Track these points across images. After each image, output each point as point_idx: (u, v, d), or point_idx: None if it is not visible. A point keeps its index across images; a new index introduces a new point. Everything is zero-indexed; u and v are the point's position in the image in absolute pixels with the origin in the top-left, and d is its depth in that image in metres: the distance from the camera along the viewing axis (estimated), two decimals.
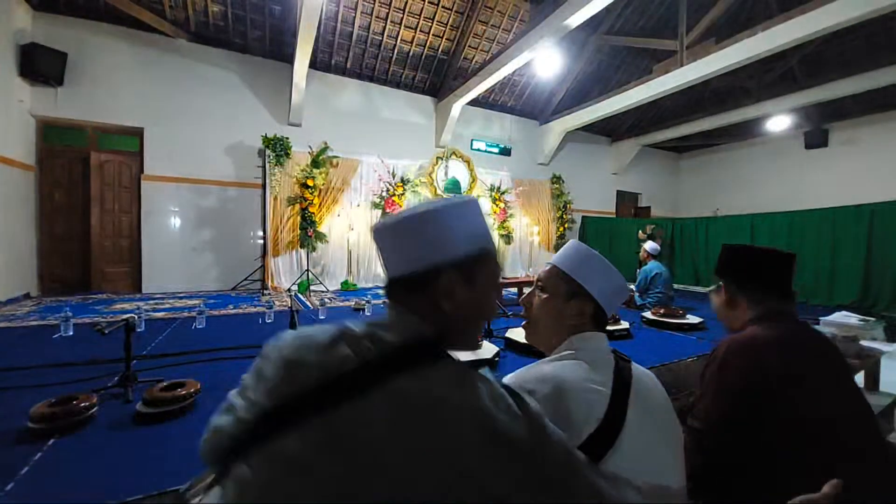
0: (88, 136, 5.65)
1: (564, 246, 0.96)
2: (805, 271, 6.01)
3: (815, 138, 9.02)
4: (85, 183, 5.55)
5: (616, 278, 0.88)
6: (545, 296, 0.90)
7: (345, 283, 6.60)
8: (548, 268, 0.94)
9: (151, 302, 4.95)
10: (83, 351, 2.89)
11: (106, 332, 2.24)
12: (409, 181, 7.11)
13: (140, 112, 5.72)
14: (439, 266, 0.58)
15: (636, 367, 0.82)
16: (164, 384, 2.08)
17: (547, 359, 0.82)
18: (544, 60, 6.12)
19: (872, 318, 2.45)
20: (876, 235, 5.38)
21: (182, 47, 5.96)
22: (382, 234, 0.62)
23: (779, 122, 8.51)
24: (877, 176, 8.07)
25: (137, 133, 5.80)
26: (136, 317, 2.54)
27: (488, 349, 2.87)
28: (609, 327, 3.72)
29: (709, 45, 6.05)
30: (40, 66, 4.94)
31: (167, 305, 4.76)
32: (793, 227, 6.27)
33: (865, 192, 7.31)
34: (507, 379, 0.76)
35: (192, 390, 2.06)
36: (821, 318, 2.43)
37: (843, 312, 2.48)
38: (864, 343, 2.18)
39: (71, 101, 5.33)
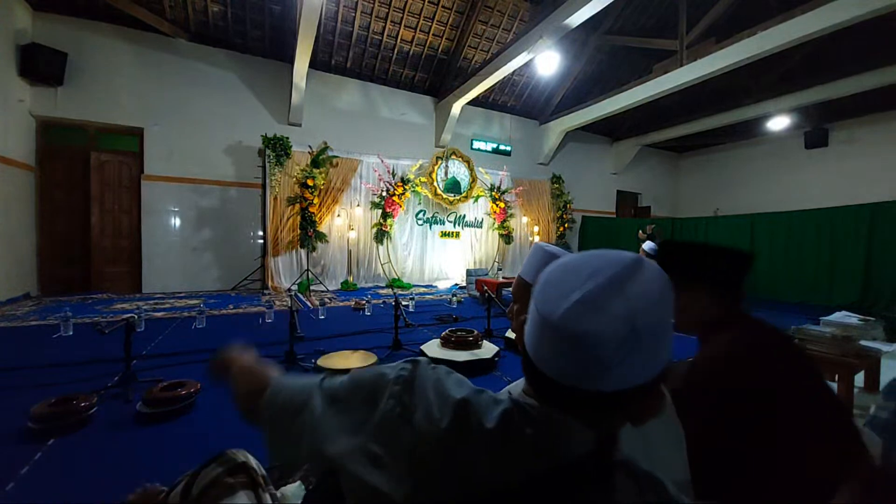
0: (88, 136, 5.65)
1: (530, 252, 0.90)
2: (805, 271, 6.02)
3: (815, 138, 9.02)
4: (85, 183, 5.55)
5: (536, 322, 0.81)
6: (517, 307, 0.86)
7: (345, 282, 6.60)
8: (515, 279, 0.89)
9: (151, 302, 4.95)
10: (83, 351, 2.89)
11: (106, 331, 2.24)
12: (409, 181, 7.11)
13: (140, 112, 5.72)
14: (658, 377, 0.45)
15: None
16: (164, 384, 2.08)
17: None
18: (544, 60, 6.12)
19: (872, 318, 2.45)
20: (876, 235, 5.38)
21: (182, 47, 5.96)
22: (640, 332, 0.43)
23: (779, 121, 8.51)
24: (877, 175, 8.06)
25: (137, 133, 5.80)
26: (136, 317, 2.54)
27: (488, 349, 2.87)
28: None
29: (709, 44, 6.05)
30: (40, 65, 4.94)
31: (167, 305, 4.77)
32: (792, 227, 6.27)
33: (865, 191, 7.31)
34: (508, 388, 0.71)
35: (192, 390, 2.07)
36: (821, 318, 2.43)
37: (843, 312, 2.48)
38: (863, 343, 2.17)
39: (71, 100, 5.33)
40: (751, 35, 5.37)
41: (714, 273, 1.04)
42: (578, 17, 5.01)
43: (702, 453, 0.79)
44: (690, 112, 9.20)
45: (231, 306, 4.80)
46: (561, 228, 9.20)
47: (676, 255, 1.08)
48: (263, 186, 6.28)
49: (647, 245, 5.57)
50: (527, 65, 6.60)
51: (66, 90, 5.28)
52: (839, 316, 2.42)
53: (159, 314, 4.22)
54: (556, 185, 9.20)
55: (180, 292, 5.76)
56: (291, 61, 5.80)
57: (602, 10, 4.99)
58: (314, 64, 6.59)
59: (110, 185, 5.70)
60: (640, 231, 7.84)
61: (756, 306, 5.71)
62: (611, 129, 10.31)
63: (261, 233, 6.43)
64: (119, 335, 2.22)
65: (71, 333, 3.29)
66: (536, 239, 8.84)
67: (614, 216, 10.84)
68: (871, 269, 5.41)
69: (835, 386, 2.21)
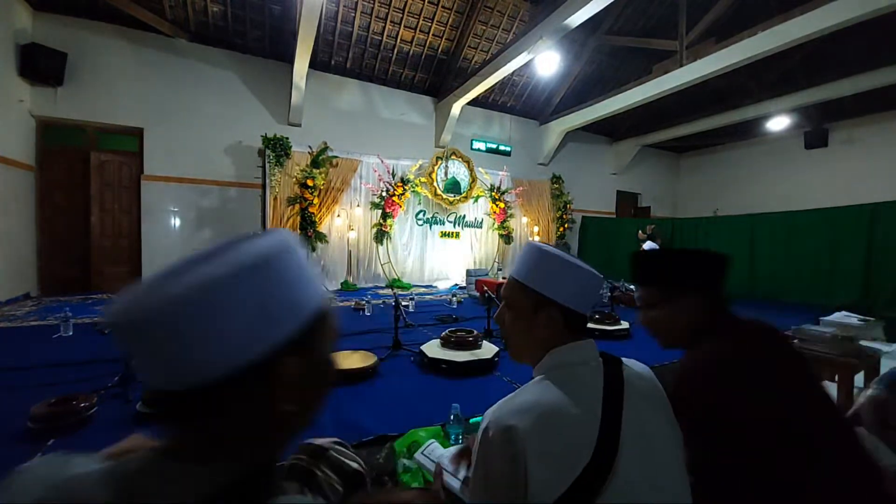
0: (88, 136, 5.65)
1: (521, 251, 0.85)
2: (805, 271, 6.01)
3: (815, 138, 9.02)
4: (85, 183, 5.55)
5: (580, 274, 0.77)
6: (511, 312, 0.82)
7: (345, 283, 6.60)
8: (508, 281, 0.84)
9: None
10: (83, 351, 2.89)
11: (106, 331, 2.24)
12: (409, 181, 7.11)
13: (140, 112, 5.72)
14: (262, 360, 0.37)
15: (628, 369, 0.75)
16: None
17: (529, 383, 0.73)
18: (544, 60, 6.12)
19: (872, 318, 2.44)
20: (876, 235, 5.38)
21: (182, 47, 5.96)
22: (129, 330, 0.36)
23: (779, 121, 8.51)
24: (877, 176, 8.06)
25: (137, 133, 5.80)
26: None
27: (488, 349, 2.87)
28: (609, 327, 3.74)
29: (709, 44, 6.06)
30: (40, 65, 4.94)
31: None
32: (792, 227, 6.26)
33: (865, 191, 7.31)
34: (489, 413, 0.68)
35: None
36: (820, 318, 2.42)
37: (843, 312, 2.48)
38: (863, 343, 2.17)
39: (71, 101, 5.33)
40: (751, 35, 5.37)
41: (693, 280, 1.00)
42: (578, 18, 5.01)
43: (692, 464, 0.76)
44: (690, 112, 9.20)
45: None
46: (561, 229, 9.20)
47: (654, 266, 1.04)
48: (263, 187, 6.28)
49: (648, 245, 5.57)
50: (527, 65, 6.60)
51: (66, 90, 5.28)
52: (839, 316, 2.42)
53: None
54: (555, 186, 9.20)
55: None
56: (291, 61, 5.80)
57: (602, 10, 5.00)
58: (314, 64, 6.59)
59: (110, 185, 5.71)
60: (640, 231, 7.84)
61: (756, 306, 5.71)
62: (611, 130, 10.31)
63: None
64: None
65: (71, 333, 3.29)
66: (537, 239, 8.84)
67: (614, 216, 10.83)
68: (870, 270, 5.40)
69: (834, 387, 2.21)
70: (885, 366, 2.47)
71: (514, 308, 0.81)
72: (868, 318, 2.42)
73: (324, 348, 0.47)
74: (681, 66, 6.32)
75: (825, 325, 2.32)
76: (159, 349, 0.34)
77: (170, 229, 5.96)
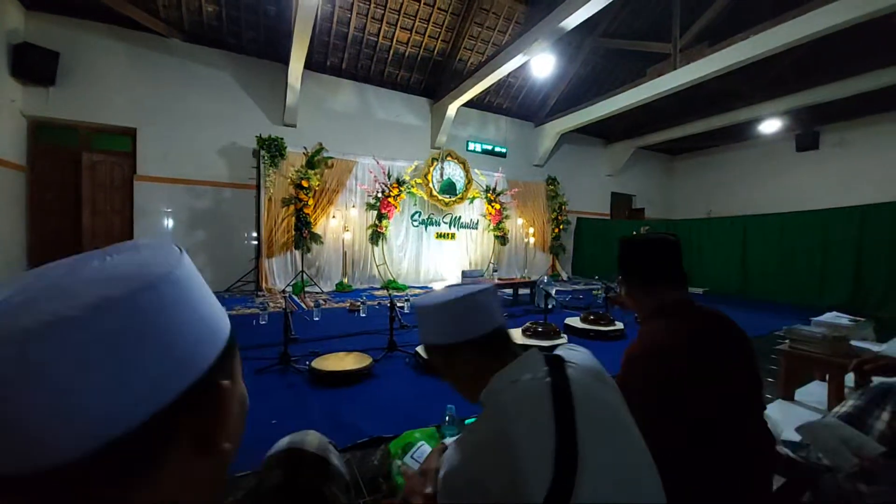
0: (80, 136, 5.59)
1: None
2: (796, 272, 6.08)
3: (806, 141, 9.14)
4: (76, 183, 5.49)
5: (457, 305, 0.75)
6: (440, 372, 0.82)
7: (340, 284, 6.58)
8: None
9: None
10: None
11: None
12: (404, 182, 7.11)
13: (133, 112, 5.68)
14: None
15: (571, 362, 0.70)
16: None
17: (467, 429, 0.70)
18: (539, 62, 6.15)
19: (862, 318, 2.48)
20: (866, 237, 5.45)
21: (176, 47, 5.92)
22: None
23: (770, 124, 8.61)
24: (867, 178, 8.18)
25: (130, 133, 5.75)
26: None
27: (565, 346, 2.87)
28: (604, 328, 3.76)
29: (702, 48, 6.11)
30: (32, 65, 4.89)
31: None
32: (784, 229, 6.33)
33: (856, 193, 7.41)
34: (444, 469, 0.64)
35: None
36: (812, 318, 2.45)
37: (834, 313, 2.50)
38: (854, 343, 2.20)
39: (63, 100, 5.28)
40: (743, 39, 5.43)
41: (635, 268, 1.07)
42: (573, 20, 5.04)
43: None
44: (684, 115, 9.28)
45: (225, 308, 4.76)
46: (556, 230, 9.25)
47: (621, 253, 1.13)
48: (258, 187, 6.25)
49: None
50: (522, 67, 6.62)
51: (59, 90, 5.23)
52: (830, 316, 2.45)
53: None
54: (551, 187, 9.25)
55: None
56: (286, 62, 5.78)
57: (597, 13, 5.03)
58: (309, 65, 6.57)
59: (102, 186, 5.65)
60: (634, 232, 7.88)
61: (749, 307, 5.77)
62: (605, 132, 10.38)
63: (255, 234, 6.40)
64: None
65: None
66: (532, 241, 8.87)
67: (609, 218, 10.90)
68: (861, 271, 5.47)
69: (825, 386, 2.23)
70: None
71: (437, 368, 0.82)
72: (858, 318, 2.45)
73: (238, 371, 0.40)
74: (675, 68, 6.38)
75: (816, 326, 2.35)
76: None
77: (163, 231, 5.91)
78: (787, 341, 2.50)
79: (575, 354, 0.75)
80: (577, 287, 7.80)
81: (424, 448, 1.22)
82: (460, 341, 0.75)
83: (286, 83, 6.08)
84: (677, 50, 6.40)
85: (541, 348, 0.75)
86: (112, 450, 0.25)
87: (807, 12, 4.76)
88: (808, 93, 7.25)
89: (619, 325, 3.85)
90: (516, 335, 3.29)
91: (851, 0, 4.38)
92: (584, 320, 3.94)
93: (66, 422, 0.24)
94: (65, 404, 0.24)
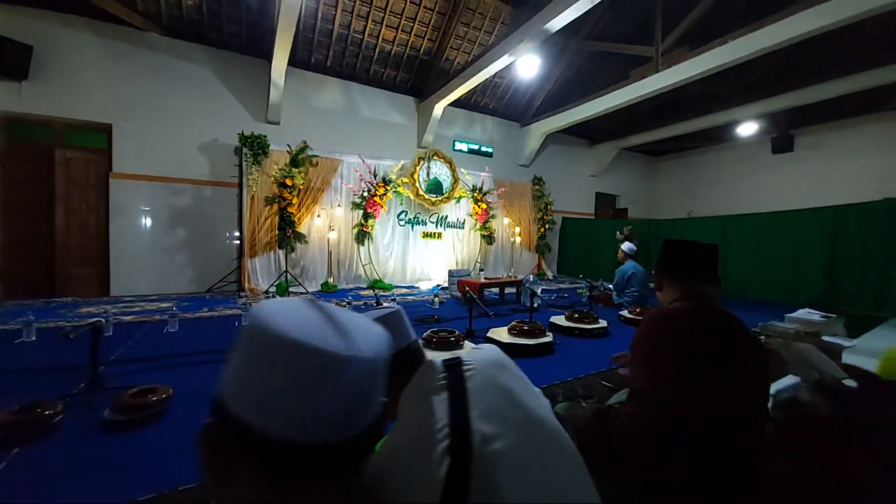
0: (54, 132, 5.40)
1: None
2: (772, 270, 6.28)
3: (782, 143, 9.43)
4: (49, 180, 5.29)
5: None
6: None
7: (325, 284, 6.51)
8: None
9: (120, 305, 4.76)
10: (48, 356, 2.76)
11: (72, 336, 2.15)
12: (390, 181, 7.07)
13: (109, 108, 5.50)
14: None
15: (470, 365, 0.70)
16: (134, 390, 2.01)
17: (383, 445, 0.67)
18: (525, 63, 6.20)
19: (834, 315, 2.57)
20: (838, 237, 5.66)
21: (154, 41, 5.76)
22: None
23: (748, 127, 8.87)
24: (839, 179, 8.49)
25: (105, 129, 5.57)
26: (103, 320, 2.44)
27: (469, 349, 2.88)
28: (587, 326, 3.81)
29: (683, 52, 6.25)
30: (5, 59, 4.70)
31: (137, 308, 4.60)
32: (760, 228, 6.53)
33: (828, 194, 7.69)
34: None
35: (163, 396, 2.00)
36: (786, 314, 2.54)
37: (807, 309, 2.60)
38: (825, 338, 2.28)
39: (36, 95, 5.08)
40: (722, 44, 5.58)
41: (667, 264, 1.29)
42: (558, 22, 5.09)
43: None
44: (666, 117, 9.48)
45: (206, 309, 4.66)
46: (542, 229, 9.33)
47: (662, 251, 1.34)
48: (240, 186, 6.12)
49: (626, 245, 5.70)
50: (508, 67, 6.66)
51: (32, 84, 5.03)
52: (803, 313, 2.54)
53: (129, 318, 4.07)
54: (537, 187, 9.32)
55: (151, 295, 5.57)
56: (269, 58, 5.69)
57: (581, 15, 5.09)
58: (293, 61, 6.47)
59: (77, 184, 5.46)
60: (618, 232, 8.02)
61: (726, 303, 5.91)
62: (590, 133, 10.52)
63: (237, 233, 6.27)
64: (86, 340, 2.13)
65: (34, 338, 3.14)
66: (517, 240, 8.93)
67: (593, 217, 11.05)
68: (833, 269, 5.68)
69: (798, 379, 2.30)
70: (847, 360, 2.60)
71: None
72: (830, 314, 2.55)
73: None
74: (657, 71, 6.51)
75: (790, 322, 2.43)
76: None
77: (140, 229, 5.74)
78: (762, 337, 2.59)
79: (476, 353, 0.76)
80: (562, 286, 7.89)
81: None
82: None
83: (269, 80, 5.98)
84: (659, 53, 6.53)
85: (444, 358, 0.75)
86: (363, 436, 0.43)
87: (782, 19, 4.92)
88: (784, 97, 7.49)
89: (603, 323, 3.91)
90: (502, 333, 3.31)
91: (825, 8, 4.54)
92: (568, 318, 3.99)
93: (367, 411, 0.44)
94: (370, 402, 0.44)
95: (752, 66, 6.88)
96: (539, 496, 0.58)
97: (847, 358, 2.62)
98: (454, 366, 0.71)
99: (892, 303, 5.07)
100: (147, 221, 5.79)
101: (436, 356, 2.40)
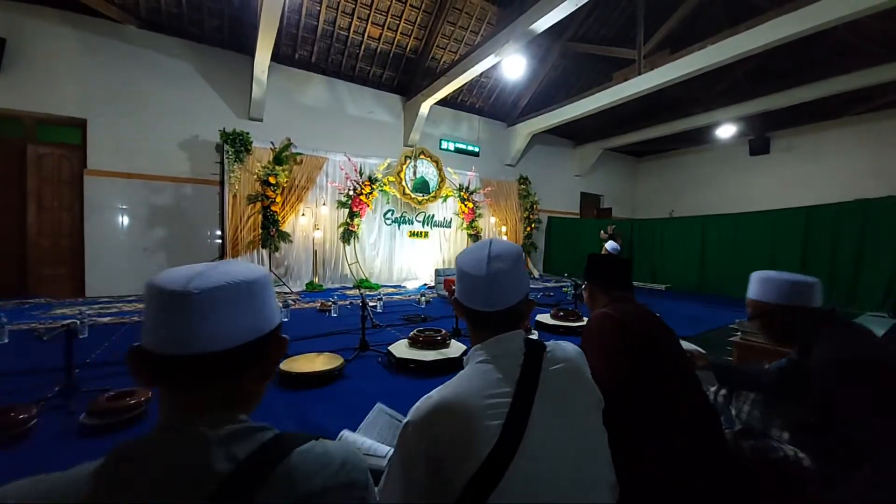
0: (25, 128, 5.19)
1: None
2: (749, 268, 6.46)
3: (758, 146, 9.73)
4: (21, 178, 5.09)
5: (466, 279, 0.87)
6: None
7: (310, 283, 6.43)
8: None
9: (96, 306, 4.61)
10: (20, 359, 2.67)
11: (45, 338, 2.08)
12: (377, 180, 7.03)
13: (83, 102, 5.32)
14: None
15: (552, 354, 0.82)
16: (112, 393, 1.96)
17: (443, 385, 0.80)
18: (511, 63, 6.24)
19: None
20: (811, 236, 5.88)
21: (131, 34, 5.59)
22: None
23: (726, 129, 9.12)
24: (812, 181, 8.81)
25: (79, 124, 5.39)
26: (77, 322, 2.36)
27: (456, 348, 2.90)
28: (572, 324, 3.86)
29: (664, 55, 6.39)
30: None
31: (114, 310, 4.46)
32: (737, 228, 6.74)
33: (802, 195, 7.97)
34: (411, 411, 0.76)
35: (142, 399, 1.96)
36: None
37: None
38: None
39: (7, 89, 4.87)
40: (701, 48, 5.72)
41: (596, 275, 1.50)
42: (543, 24, 5.15)
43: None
44: (648, 119, 9.68)
45: None
46: (528, 228, 9.41)
47: (591, 266, 1.55)
48: (221, 184, 6.00)
49: (609, 245, 5.81)
50: (494, 67, 6.70)
51: (3, 78, 4.82)
52: None
53: (105, 319, 3.95)
54: (522, 187, 9.40)
55: (129, 296, 5.41)
56: (252, 53, 5.59)
57: (566, 17, 5.16)
58: (277, 57, 6.38)
59: (49, 181, 5.27)
60: (602, 231, 8.17)
61: (705, 300, 6.10)
62: (575, 133, 10.66)
63: (218, 232, 6.15)
64: (60, 342, 2.06)
65: (6, 341, 3.02)
66: (504, 238, 8.98)
67: (578, 217, 11.21)
68: (806, 267, 5.90)
69: None
70: None
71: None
72: None
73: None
74: (639, 74, 6.63)
75: None
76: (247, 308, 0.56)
77: (117, 228, 5.58)
78: (738, 333, 2.69)
79: (561, 345, 0.87)
80: (548, 284, 7.97)
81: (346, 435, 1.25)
82: (459, 300, 0.89)
83: (252, 75, 5.87)
84: (641, 56, 6.66)
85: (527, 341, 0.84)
86: (240, 350, 0.55)
87: (757, 25, 5.07)
88: (760, 100, 7.72)
89: (586, 321, 3.97)
90: None
91: (798, 15, 4.71)
92: (554, 317, 4.04)
93: (231, 328, 0.54)
94: (230, 321, 0.54)
95: (729, 70, 7.09)
96: (567, 471, 0.70)
97: None
98: (536, 349, 0.82)
99: (863, 299, 5.30)
100: (124, 220, 5.62)
101: (421, 355, 2.42)
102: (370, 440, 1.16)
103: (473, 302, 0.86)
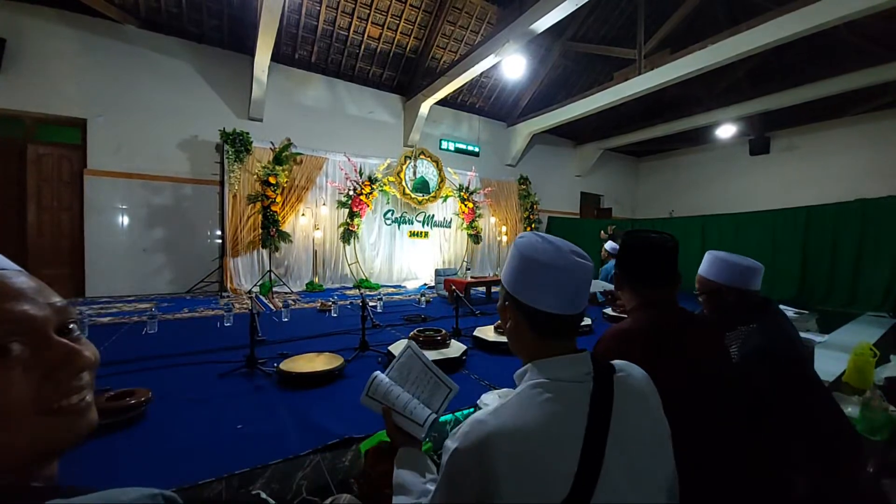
0: (25, 128, 5.18)
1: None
2: None
3: (759, 145, 9.72)
4: (20, 178, 5.08)
5: (539, 271, 0.70)
6: (500, 306, 0.81)
7: (310, 283, 6.43)
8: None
9: (96, 306, 4.61)
10: None
11: None
12: (377, 180, 7.02)
13: (83, 102, 5.31)
14: None
15: (620, 379, 0.70)
16: (111, 393, 1.95)
17: (510, 397, 0.69)
18: (511, 63, 6.23)
19: (807, 312, 2.66)
20: (811, 235, 5.87)
21: (131, 34, 5.59)
22: None
23: (726, 129, 9.11)
24: (812, 181, 8.80)
25: (79, 124, 5.38)
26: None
27: (456, 348, 2.88)
28: None
29: (664, 55, 6.38)
30: None
31: (114, 310, 4.46)
32: (738, 228, 6.73)
33: (802, 195, 7.96)
34: (459, 428, 0.65)
35: (142, 399, 1.95)
36: None
37: (780, 306, 2.69)
38: (799, 334, 2.36)
39: (7, 89, 4.87)
40: (702, 48, 5.72)
41: (624, 266, 1.22)
42: (543, 23, 5.14)
43: None
44: (648, 119, 9.67)
45: (186, 310, 4.55)
46: (528, 228, 9.40)
47: (621, 249, 1.27)
48: (221, 184, 5.99)
49: (609, 245, 5.78)
50: (494, 67, 6.69)
51: (3, 78, 4.82)
52: None
53: (105, 319, 3.94)
54: (523, 187, 9.40)
55: (129, 296, 5.40)
56: (252, 53, 5.59)
57: (566, 17, 5.15)
58: (276, 57, 6.37)
59: (49, 180, 5.26)
60: (602, 231, 8.15)
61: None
62: (575, 133, 10.65)
63: (219, 232, 6.14)
64: None
65: None
66: (504, 239, 8.98)
67: (578, 217, 11.20)
68: (807, 267, 5.89)
69: None
70: (819, 355, 2.70)
71: (500, 304, 0.81)
72: (803, 311, 2.64)
73: None
74: (639, 74, 6.63)
75: None
76: None
77: (117, 228, 5.57)
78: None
79: (631, 368, 0.75)
80: None
81: (379, 379, 1.02)
82: (519, 299, 0.72)
83: (252, 75, 5.87)
84: (641, 56, 6.65)
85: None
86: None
87: (758, 25, 5.07)
88: (760, 100, 7.72)
89: (587, 321, 3.97)
90: (489, 332, 3.33)
91: (798, 15, 4.70)
92: (570, 321, 4.02)
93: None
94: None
95: (730, 70, 7.08)
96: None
97: (819, 352, 2.72)
98: (605, 372, 0.71)
99: (863, 299, 5.29)
100: (124, 220, 5.61)
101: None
102: (407, 395, 0.96)
103: (548, 301, 0.69)
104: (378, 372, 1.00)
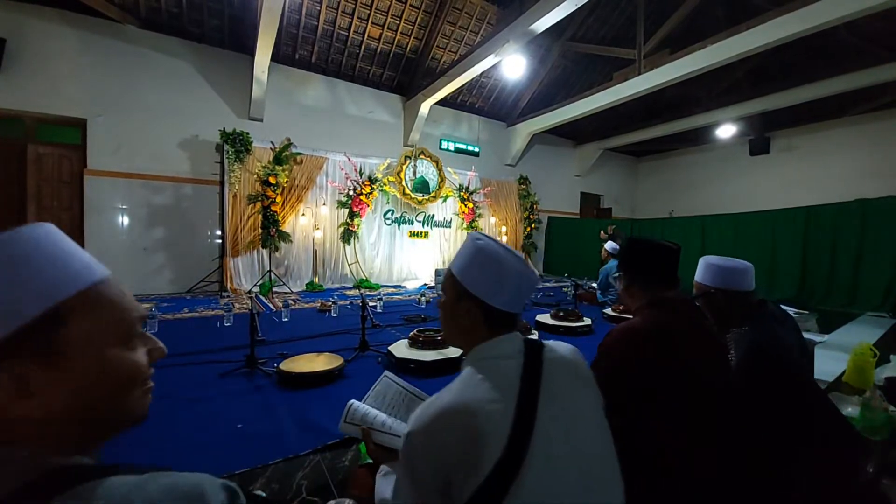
0: (25, 127, 5.18)
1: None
2: None
3: (758, 146, 9.72)
4: (21, 178, 5.08)
5: (504, 272, 0.78)
6: (442, 299, 0.87)
7: (310, 283, 6.43)
8: (447, 270, 0.89)
9: None
10: None
11: None
12: (377, 180, 7.02)
13: (83, 102, 5.31)
14: None
15: (550, 353, 0.77)
16: None
17: (454, 380, 0.75)
18: (511, 63, 6.23)
19: (807, 311, 2.66)
20: (810, 236, 5.87)
21: (131, 34, 5.59)
22: None
23: (726, 129, 9.11)
24: (812, 181, 8.80)
25: (79, 124, 5.38)
26: None
27: (454, 349, 2.88)
28: (572, 324, 3.86)
29: (664, 55, 6.38)
30: None
31: None
32: (738, 228, 6.73)
33: (802, 195, 7.96)
34: (412, 416, 0.71)
35: None
36: None
37: (781, 306, 2.68)
38: (802, 335, 2.36)
39: (7, 89, 4.87)
40: (701, 48, 5.71)
41: (633, 266, 1.26)
42: (543, 24, 5.14)
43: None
44: (648, 119, 9.67)
45: (186, 310, 4.56)
46: (528, 229, 9.40)
47: (628, 252, 1.32)
48: (221, 183, 6.00)
49: (609, 245, 5.78)
50: (494, 67, 6.69)
51: (3, 78, 4.82)
52: None
53: None
54: (522, 187, 9.40)
55: None
56: (252, 53, 5.59)
57: (566, 17, 5.15)
58: (277, 57, 6.37)
59: (49, 180, 5.26)
60: (602, 231, 8.15)
61: None
62: (575, 133, 10.65)
63: (219, 232, 6.14)
64: None
65: None
66: (504, 239, 8.99)
67: (578, 217, 11.20)
68: (806, 267, 5.89)
69: None
70: (819, 354, 2.70)
71: (445, 295, 0.86)
72: (803, 311, 2.64)
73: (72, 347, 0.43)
74: (638, 74, 6.63)
75: None
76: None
77: (117, 228, 5.57)
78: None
79: (558, 345, 0.82)
80: (547, 284, 7.96)
81: (355, 406, 1.06)
82: (477, 296, 0.79)
83: (252, 75, 5.87)
84: (641, 56, 6.65)
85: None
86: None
87: (757, 25, 5.07)
88: (760, 100, 7.72)
89: (587, 322, 3.97)
90: None
91: (798, 15, 4.70)
92: (553, 317, 4.03)
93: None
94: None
95: (729, 70, 7.09)
96: (577, 479, 0.67)
97: (819, 352, 2.72)
98: (535, 349, 0.78)
99: (863, 299, 5.29)
100: (124, 220, 5.61)
101: (421, 355, 2.39)
102: (384, 415, 1.02)
103: (498, 298, 0.78)
104: (354, 400, 1.06)
